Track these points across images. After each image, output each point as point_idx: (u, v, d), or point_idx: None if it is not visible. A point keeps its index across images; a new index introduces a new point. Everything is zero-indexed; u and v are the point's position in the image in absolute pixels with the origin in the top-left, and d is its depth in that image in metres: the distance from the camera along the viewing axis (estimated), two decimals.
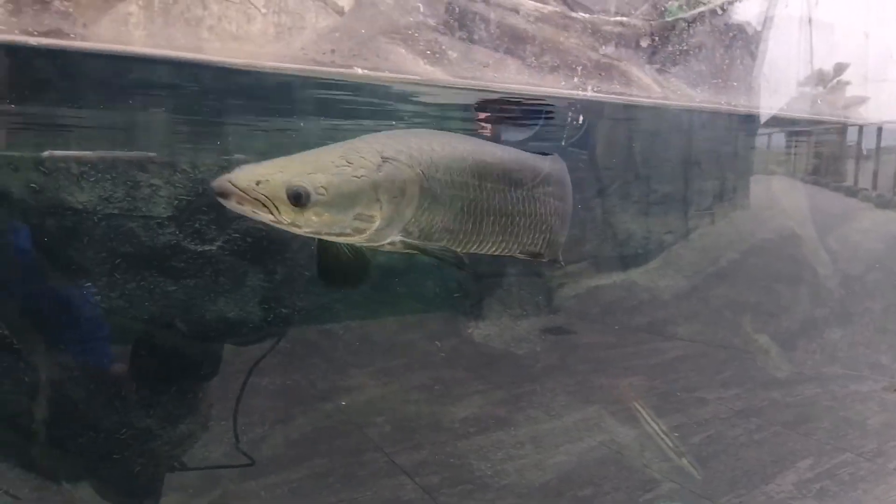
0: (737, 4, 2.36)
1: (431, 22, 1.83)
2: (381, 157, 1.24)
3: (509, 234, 1.52)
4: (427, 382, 3.63)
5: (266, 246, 2.17)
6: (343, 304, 3.12)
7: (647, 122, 3.06)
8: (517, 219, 1.53)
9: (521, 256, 1.58)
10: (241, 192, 1.09)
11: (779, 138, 4.26)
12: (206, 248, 2.04)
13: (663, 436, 2.74)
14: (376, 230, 1.24)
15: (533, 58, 2.00)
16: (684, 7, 2.27)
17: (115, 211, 1.93)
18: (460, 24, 1.86)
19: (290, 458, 2.90)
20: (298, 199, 1.11)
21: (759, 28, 2.49)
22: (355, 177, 1.20)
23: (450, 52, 1.83)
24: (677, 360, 3.87)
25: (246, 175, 1.10)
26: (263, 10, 1.68)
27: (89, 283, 1.84)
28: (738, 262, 4.04)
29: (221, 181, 1.08)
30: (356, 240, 1.26)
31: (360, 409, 3.32)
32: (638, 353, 3.91)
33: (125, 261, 1.91)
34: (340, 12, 1.79)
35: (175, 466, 1.96)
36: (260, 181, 1.10)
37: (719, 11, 2.31)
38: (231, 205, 1.10)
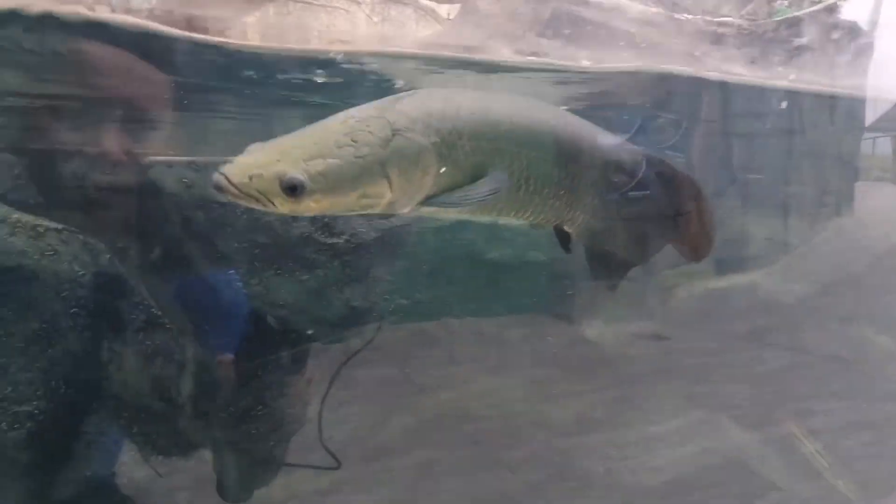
0: (846, 3, 2.22)
1: (537, 27, 1.84)
2: (392, 130, 1.18)
3: (549, 209, 1.42)
4: (534, 379, 3.64)
5: (388, 240, 2.28)
6: (457, 298, 3.20)
7: (746, 124, 2.94)
8: (561, 193, 1.40)
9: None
10: (234, 190, 1.05)
11: (884, 143, 3.96)
12: (335, 240, 2.17)
13: (818, 455, 2.63)
14: (389, 203, 1.20)
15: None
16: (791, 7, 2.17)
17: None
18: (566, 27, 1.86)
19: (394, 447, 3.00)
20: (294, 190, 1.08)
21: (868, 28, 2.34)
22: (358, 157, 1.14)
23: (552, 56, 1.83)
24: (786, 368, 3.70)
25: (240, 168, 1.07)
26: (375, 19, 1.75)
27: (233, 271, 2.01)
28: (862, 271, 3.80)
29: (218, 175, 1.05)
30: (369, 213, 1.22)
31: (466, 403, 3.38)
32: (752, 360, 3.76)
33: (263, 250, 2.06)
34: (442, 22, 1.82)
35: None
36: (253, 175, 1.06)
37: (831, 10, 2.19)
38: (228, 198, 1.07)
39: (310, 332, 2.09)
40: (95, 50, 1.68)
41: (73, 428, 1.74)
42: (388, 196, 1.18)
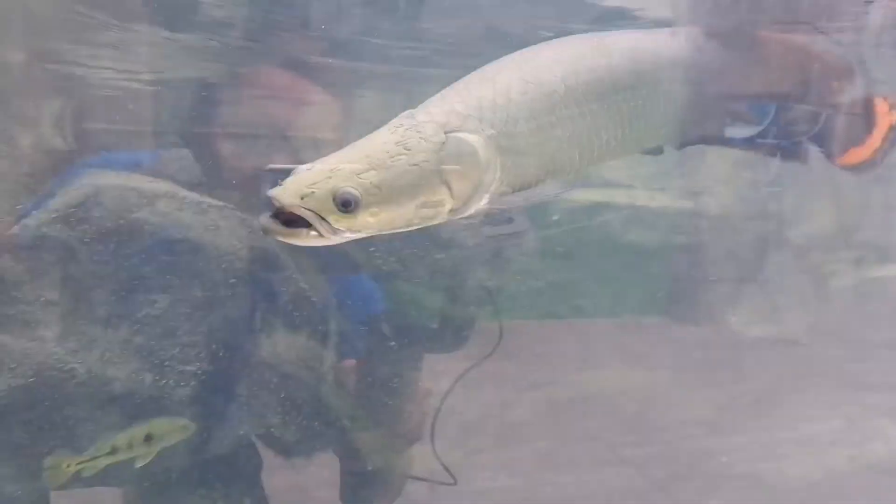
0: None
1: None
2: (445, 132, 1.13)
3: (631, 141, 1.36)
4: (663, 376, 3.53)
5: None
6: (591, 284, 3.14)
7: None
8: (638, 123, 1.34)
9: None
10: (288, 211, 1.02)
11: None
12: (470, 220, 2.21)
13: None
14: (452, 210, 1.14)
15: None
16: None
17: None
18: None
19: (512, 435, 3.00)
20: (348, 205, 1.04)
21: None
22: (413, 165, 1.09)
23: None
24: None
25: (293, 189, 1.03)
26: None
27: (373, 248, 2.10)
28: None
29: (269, 197, 1.02)
30: (431, 223, 1.14)
31: (588, 398, 3.32)
32: None
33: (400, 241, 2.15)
34: None
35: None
36: (305, 194, 1.03)
37: None
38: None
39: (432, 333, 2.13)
40: None
41: (230, 389, 1.90)
42: (449, 203, 1.13)
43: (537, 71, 1.27)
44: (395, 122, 1.16)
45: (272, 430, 1.92)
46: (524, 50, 1.32)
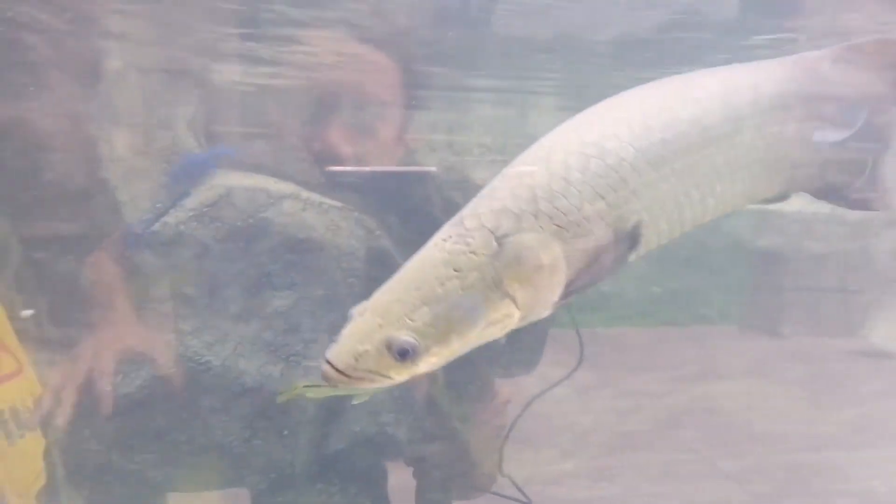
0: None
1: None
2: (496, 238, 1.00)
3: (737, 195, 1.18)
4: (762, 388, 3.41)
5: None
6: (719, 288, 3.05)
7: None
8: (742, 174, 1.15)
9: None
10: (344, 378, 0.97)
11: None
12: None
13: None
14: (522, 318, 1.03)
15: None
16: None
17: None
18: None
19: (611, 448, 2.94)
20: (405, 355, 0.97)
21: None
22: (466, 288, 0.98)
23: None
24: None
25: (347, 349, 0.98)
26: None
27: None
28: None
29: (325, 366, 0.98)
30: (501, 335, 1.03)
31: (683, 409, 3.24)
32: None
33: None
34: None
35: None
36: (359, 354, 0.97)
37: None
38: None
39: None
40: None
41: None
42: (517, 313, 1.02)
43: (599, 139, 1.10)
44: (443, 232, 1.07)
45: (386, 427, 1.95)
46: (586, 111, 1.18)
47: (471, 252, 1.00)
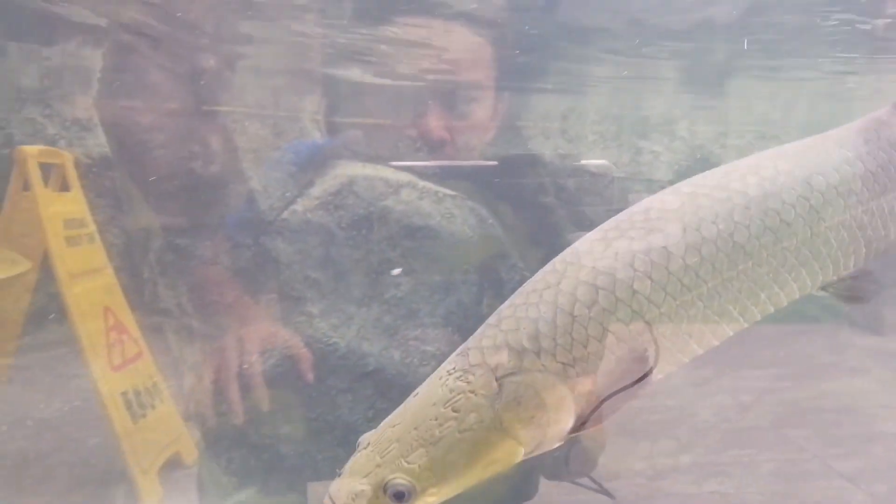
0: None
1: None
2: (496, 378, 0.96)
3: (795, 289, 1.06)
4: (866, 387, 3.23)
5: None
6: None
7: None
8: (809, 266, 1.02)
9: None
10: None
11: None
12: None
13: None
14: (527, 454, 0.98)
15: None
16: None
17: (622, 174, 2.15)
18: None
19: (714, 442, 2.85)
20: (401, 497, 0.94)
21: None
22: (464, 431, 0.94)
23: None
24: None
25: (344, 490, 0.94)
26: None
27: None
28: None
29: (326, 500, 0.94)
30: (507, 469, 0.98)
31: (786, 408, 3.10)
32: None
33: None
34: None
35: None
36: (356, 495, 0.93)
37: None
38: None
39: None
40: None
41: None
42: (521, 449, 0.97)
43: (611, 266, 1.00)
44: (449, 363, 1.04)
45: None
46: (613, 221, 1.08)
47: (470, 391, 0.97)
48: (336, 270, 1.79)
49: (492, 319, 1.06)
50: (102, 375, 1.58)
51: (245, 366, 1.63)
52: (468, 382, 0.97)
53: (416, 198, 1.92)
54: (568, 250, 1.07)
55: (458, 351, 1.05)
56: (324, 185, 1.81)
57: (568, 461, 1.91)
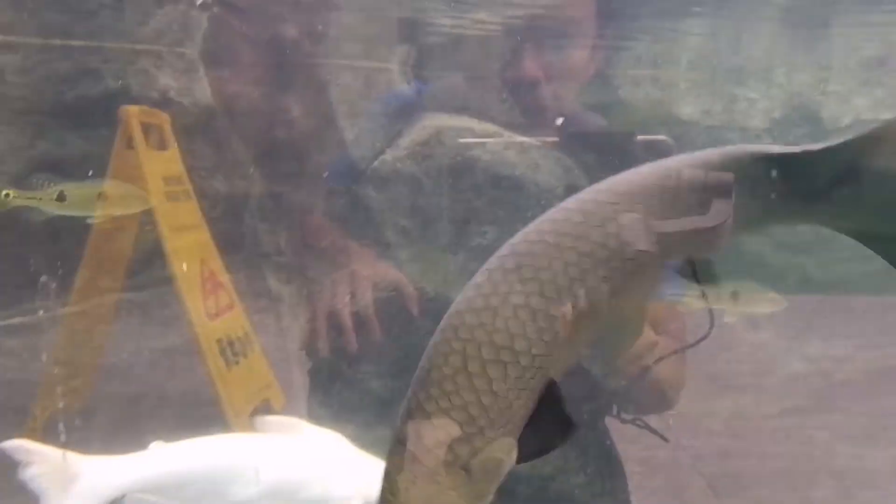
0: None
1: None
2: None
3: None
4: None
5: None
6: None
7: None
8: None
9: None
10: None
11: None
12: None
13: None
14: None
15: None
16: None
17: (716, 123, 2.08)
18: None
19: (809, 394, 2.79)
20: None
21: None
22: None
23: None
24: None
25: None
26: None
27: None
28: None
29: None
30: None
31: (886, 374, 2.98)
32: None
33: None
34: None
35: None
36: None
37: None
38: None
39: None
40: None
41: None
42: None
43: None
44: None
45: (581, 361, 2.00)
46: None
47: None
48: (423, 219, 1.85)
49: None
50: (199, 322, 1.69)
51: (341, 307, 1.73)
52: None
53: (501, 147, 1.94)
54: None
55: None
56: (412, 136, 1.86)
57: (636, 397, 1.93)
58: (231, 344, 1.78)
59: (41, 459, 1.25)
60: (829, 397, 2.75)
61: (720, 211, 0.88)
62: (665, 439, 1.93)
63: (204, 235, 1.84)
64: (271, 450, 1.47)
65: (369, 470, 1.47)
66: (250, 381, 1.75)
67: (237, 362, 1.76)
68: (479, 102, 2.07)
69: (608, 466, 2.17)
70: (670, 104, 1.91)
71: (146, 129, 1.78)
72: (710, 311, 2.07)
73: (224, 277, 1.83)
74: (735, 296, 1.77)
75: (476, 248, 1.91)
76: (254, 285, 1.93)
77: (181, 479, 1.36)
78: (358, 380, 1.78)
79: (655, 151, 2.01)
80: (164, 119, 1.87)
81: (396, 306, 1.77)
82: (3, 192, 1.47)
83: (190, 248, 1.77)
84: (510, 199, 1.95)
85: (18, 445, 1.26)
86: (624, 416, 2.08)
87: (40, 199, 1.48)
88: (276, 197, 1.87)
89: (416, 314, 1.72)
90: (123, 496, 1.32)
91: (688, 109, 1.97)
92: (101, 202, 1.55)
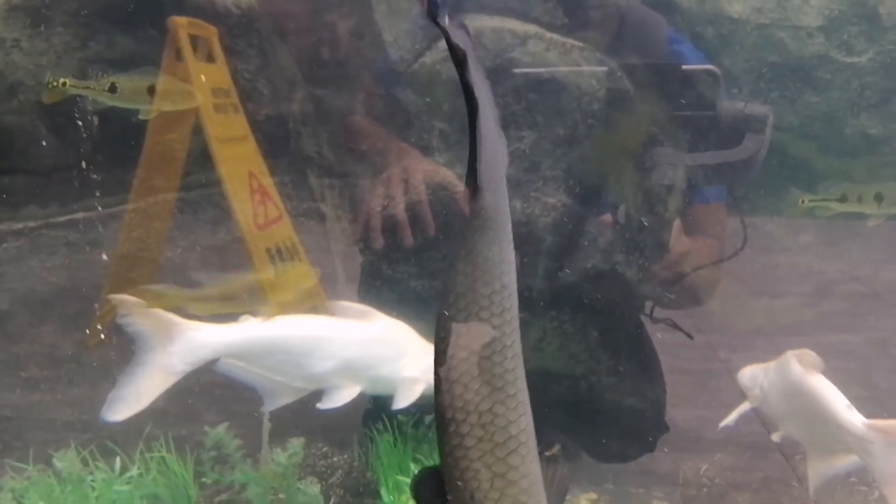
0: None
1: None
2: None
3: None
4: None
5: None
6: None
7: None
8: None
9: None
10: None
11: None
12: (854, 59, 1.95)
13: None
14: None
15: None
16: None
17: (767, 21, 1.99)
18: None
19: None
20: None
21: None
22: None
23: None
24: None
25: None
26: None
27: (735, 90, 2.01)
28: None
29: None
30: None
31: None
32: None
33: (772, 70, 2.00)
34: None
35: None
36: None
37: None
38: None
39: None
40: None
41: (580, 225, 2.03)
42: None
43: None
44: None
45: (616, 266, 2.03)
46: None
47: None
48: (462, 122, 1.85)
49: None
50: (249, 231, 1.75)
51: (379, 209, 1.78)
52: None
53: (542, 49, 1.91)
54: None
55: None
56: (453, 39, 1.84)
57: (675, 292, 1.99)
58: (279, 252, 1.85)
59: (145, 316, 1.40)
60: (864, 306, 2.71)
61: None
62: (691, 336, 2.05)
63: (251, 147, 1.89)
64: (346, 331, 1.61)
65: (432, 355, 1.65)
66: (297, 288, 1.83)
67: (285, 270, 1.84)
68: (522, 2, 2.03)
69: (642, 367, 2.24)
70: (720, 0, 1.82)
71: (194, 41, 1.80)
72: (743, 222, 2.09)
73: (273, 190, 1.89)
74: (879, 198, 1.75)
75: (515, 152, 1.93)
76: (297, 188, 1.99)
77: (265, 349, 1.52)
78: (396, 279, 1.85)
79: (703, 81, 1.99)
80: (211, 32, 1.88)
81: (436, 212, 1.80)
82: (61, 81, 1.54)
83: (238, 160, 1.83)
84: (550, 102, 1.94)
85: (125, 300, 1.40)
86: (655, 316, 2.14)
87: (94, 88, 1.56)
88: (317, 100, 1.90)
89: (465, 214, 1.75)
90: (217, 359, 1.48)
91: (738, 7, 1.87)
92: (152, 96, 1.61)
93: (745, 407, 1.67)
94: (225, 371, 1.51)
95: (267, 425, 1.61)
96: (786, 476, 1.83)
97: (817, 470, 1.45)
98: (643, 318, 2.15)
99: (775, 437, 1.60)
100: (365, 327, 1.63)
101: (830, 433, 1.41)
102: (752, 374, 1.63)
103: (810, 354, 1.48)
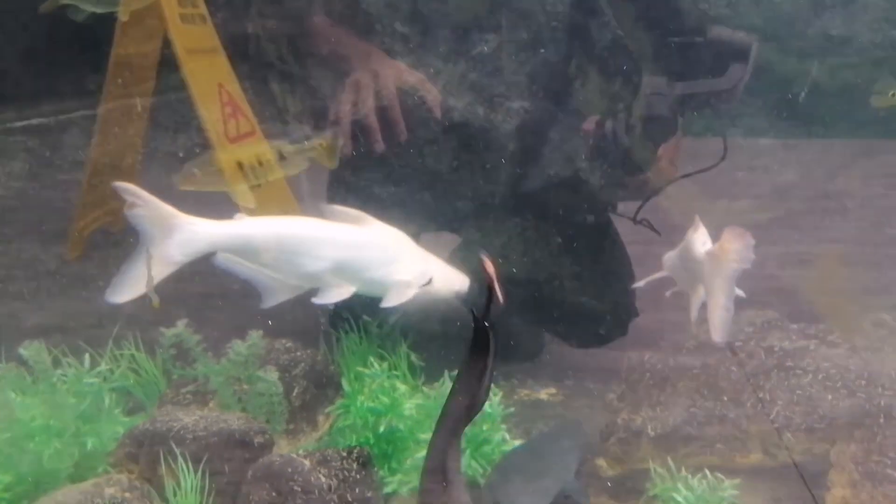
0: None
1: None
2: None
3: None
4: None
5: None
6: None
7: None
8: None
9: None
10: None
11: None
12: None
13: None
14: None
15: None
16: None
17: None
18: None
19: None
20: None
21: None
22: None
23: None
24: None
25: None
26: None
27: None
28: None
29: None
30: None
31: None
32: None
33: None
34: None
35: None
36: None
37: None
38: None
39: None
40: None
41: (544, 131, 2.04)
42: None
43: None
44: None
45: (580, 172, 2.05)
46: None
47: None
48: (424, 25, 1.83)
49: None
50: (220, 143, 1.74)
51: (343, 116, 1.77)
52: None
53: None
54: None
55: None
56: None
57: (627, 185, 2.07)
58: (253, 168, 1.84)
59: (148, 205, 1.43)
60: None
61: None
62: (658, 233, 2.11)
63: (221, 59, 1.84)
64: (340, 234, 1.65)
65: (425, 262, 1.72)
66: (271, 203, 1.84)
67: (258, 185, 1.83)
68: None
69: (607, 269, 2.30)
70: None
71: None
72: (724, 139, 2.12)
73: (244, 104, 1.85)
74: None
75: (477, 56, 1.91)
76: (258, 95, 1.95)
77: (260, 246, 1.57)
78: (360, 186, 1.87)
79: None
80: None
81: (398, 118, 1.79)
82: None
83: (208, 72, 1.79)
84: (513, 4, 1.90)
85: (129, 188, 1.42)
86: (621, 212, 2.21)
87: None
88: (277, 2, 1.85)
89: (438, 115, 1.76)
90: (214, 253, 1.54)
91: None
92: None
93: (657, 275, 1.85)
94: (223, 266, 1.57)
95: None
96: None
97: (695, 306, 1.61)
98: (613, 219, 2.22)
99: (667, 293, 1.81)
100: (359, 231, 1.67)
101: (696, 271, 1.59)
102: (670, 254, 1.80)
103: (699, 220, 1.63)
